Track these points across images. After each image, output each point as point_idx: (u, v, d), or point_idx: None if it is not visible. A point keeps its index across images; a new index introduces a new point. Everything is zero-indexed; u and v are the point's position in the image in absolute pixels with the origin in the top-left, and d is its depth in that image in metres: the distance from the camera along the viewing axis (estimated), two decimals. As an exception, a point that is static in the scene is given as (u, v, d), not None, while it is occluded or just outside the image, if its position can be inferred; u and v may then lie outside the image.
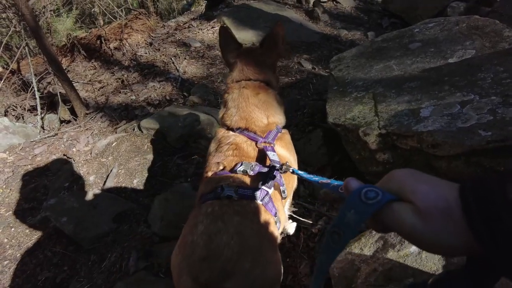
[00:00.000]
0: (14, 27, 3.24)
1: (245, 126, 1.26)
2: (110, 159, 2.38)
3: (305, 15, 4.31)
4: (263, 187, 1.07)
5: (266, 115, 1.29)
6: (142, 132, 2.51)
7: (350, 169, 1.75)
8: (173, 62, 3.51)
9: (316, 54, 3.45)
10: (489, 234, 0.37)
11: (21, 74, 3.69)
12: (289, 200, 1.31)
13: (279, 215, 1.13)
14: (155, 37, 4.27)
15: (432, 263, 1.04)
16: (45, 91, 3.36)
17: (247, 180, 1.10)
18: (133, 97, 3.19)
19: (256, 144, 1.21)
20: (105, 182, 2.20)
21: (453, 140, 1.32)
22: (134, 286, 1.56)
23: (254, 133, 1.24)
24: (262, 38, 1.47)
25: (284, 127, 1.36)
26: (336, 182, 0.65)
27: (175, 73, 3.36)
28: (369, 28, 4.06)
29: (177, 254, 0.99)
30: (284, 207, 1.26)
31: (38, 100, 3.04)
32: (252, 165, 1.12)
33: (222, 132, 1.31)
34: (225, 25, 1.42)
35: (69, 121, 3.00)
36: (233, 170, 1.12)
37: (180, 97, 3.02)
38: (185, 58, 3.57)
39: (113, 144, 2.50)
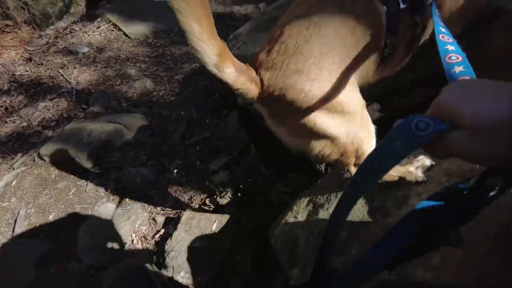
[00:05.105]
0: None
1: None
2: (14, 201, 2.08)
3: (194, -3, 4.17)
4: None
5: None
6: (44, 160, 2.23)
7: (272, 141, 1.78)
8: (62, 75, 3.14)
9: (214, 35, 3.38)
10: None
11: None
12: None
13: None
14: (33, 50, 3.75)
15: (358, 212, 1.11)
16: None
17: None
18: (25, 124, 2.79)
19: None
20: (13, 228, 1.92)
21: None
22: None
23: None
24: None
25: None
26: None
27: (67, 86, 3.01)
28: (260, -1, 4.09)
29: None
30: None
31: None
32: None
33: None
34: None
35: None
36: None
37: (79, 111, 2.73)
38: (74, 67, 3.21)
39: (13, 183, 2.18)
